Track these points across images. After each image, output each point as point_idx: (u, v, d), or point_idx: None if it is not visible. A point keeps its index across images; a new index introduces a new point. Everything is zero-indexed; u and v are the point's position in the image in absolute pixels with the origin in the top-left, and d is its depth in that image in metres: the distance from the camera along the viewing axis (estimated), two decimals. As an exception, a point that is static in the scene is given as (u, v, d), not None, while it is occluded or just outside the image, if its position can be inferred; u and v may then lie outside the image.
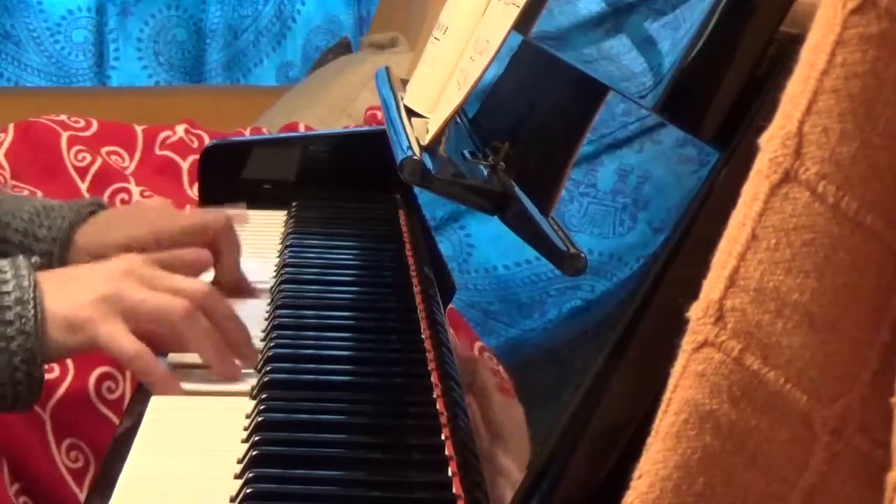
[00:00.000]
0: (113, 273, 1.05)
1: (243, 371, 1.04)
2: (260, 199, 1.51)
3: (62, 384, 1.43)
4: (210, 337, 1.03)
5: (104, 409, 1.44)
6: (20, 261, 1.04)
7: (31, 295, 1.01)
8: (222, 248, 1.24)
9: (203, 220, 1.26)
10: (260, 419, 0.94)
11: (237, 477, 0.87)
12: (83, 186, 1.69)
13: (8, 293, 1.00)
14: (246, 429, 0.94)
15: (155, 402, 1.00)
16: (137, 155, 1.79)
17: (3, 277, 1.01)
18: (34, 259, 1.07)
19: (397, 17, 2.91)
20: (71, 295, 1.03)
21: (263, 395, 0.98)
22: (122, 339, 1.01)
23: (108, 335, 1.01)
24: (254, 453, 0.88)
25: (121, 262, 1.08)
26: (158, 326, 1.05)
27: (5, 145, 1.71)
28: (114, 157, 1.77)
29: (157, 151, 1.81)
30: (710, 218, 0.68)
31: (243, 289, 1.24)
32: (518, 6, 0.99)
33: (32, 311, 1.00)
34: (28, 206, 1.26)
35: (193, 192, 1.72)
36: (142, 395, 1.02)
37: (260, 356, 1.06)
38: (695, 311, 0.53)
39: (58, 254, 1.23)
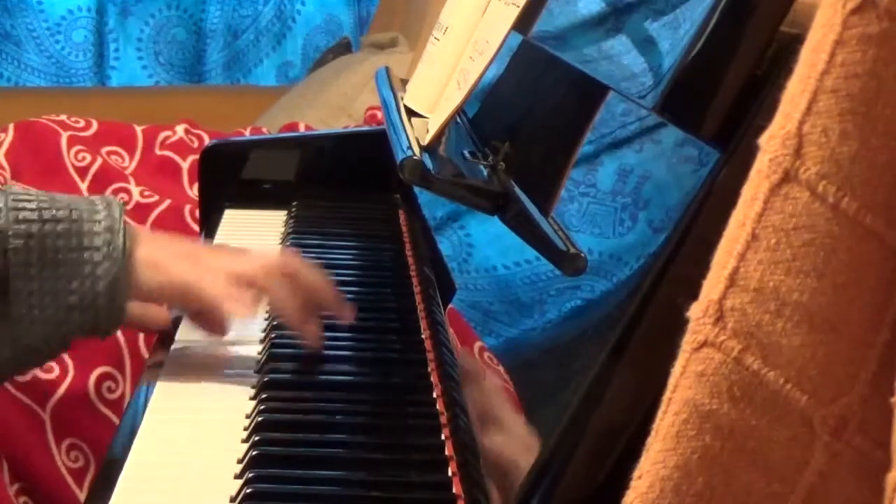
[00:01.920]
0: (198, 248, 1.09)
1: (242, 370, 1.04)
2: (260, 199, 1.51)
3: (62, 384, 1.43)
4: (294, 297, 1.06)
5: (104, 409, 1.44)
6: (111, 198, 1.05)
7: (121, 227, 1.02)
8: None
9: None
10: (260, 419, 0.94)
11: (237, 477, 0.87)
12: (83, 186, 1.69)
13: (99, 221, 1.01)
14: (246, 429, 0.94)
15: (155, 402, 1.00)
16: (137, 155, 1.79)
17: (95, 207, 1.02)
18: (119, 199, 1.08)
19: (397, 17, 2.91)
20: (158, 246, 1.05)
21: (263, 395, 0.98)
22: (192, 276, 1.04)
23: (195, 279, 1.04)
24: (254, 453, 0.88)
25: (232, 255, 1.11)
26: (245, 286, 1.06)
27: (5, 145, 1.71)
28: (114, 157, 1.77)
29: (157, 151, 1.81)
30: (710, 218, 0.68)
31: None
32: (518, 6, 0.99)
33: (122, 241, 1.01)
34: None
35: (193, 192, 1.72)
36: (142, 394, 1.02)
37: (260, 356, 1.06)
38: (695, 311, 0.53)
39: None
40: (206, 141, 1.80)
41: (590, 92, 0.92)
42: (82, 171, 1.70)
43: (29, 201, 1.01)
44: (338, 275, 1.26)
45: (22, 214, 1.00)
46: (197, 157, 1.63)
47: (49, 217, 1.00)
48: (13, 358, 1.00)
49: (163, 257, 1.04)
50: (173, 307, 1.13)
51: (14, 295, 0.98)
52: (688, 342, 0.53)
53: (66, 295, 0.99)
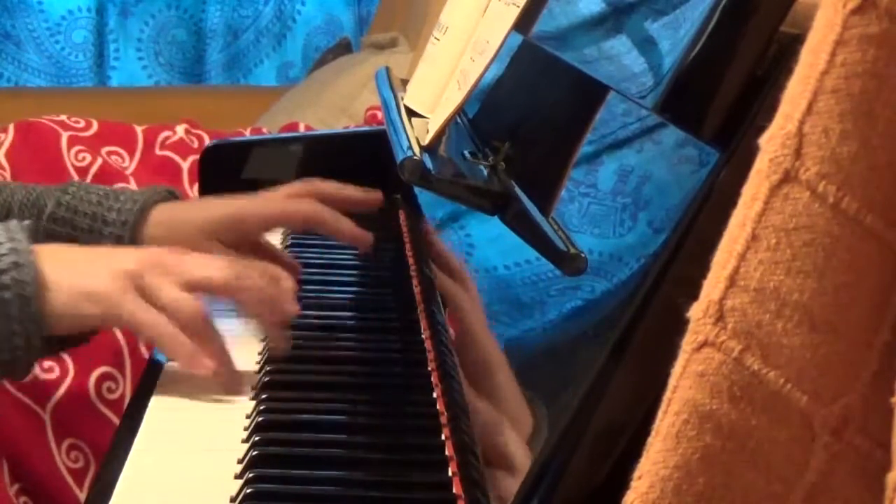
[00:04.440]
0: (130, 256, 1.03)
1: (242, 371, 1.04)
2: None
3: (62, 384, 1.43)
4: (258, 290, 1.02)
5: (104, 409, 1.44)
6: (13, 225, 1.00)
7: (30, 259, 0.97)
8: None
9: (286, 211, 1.22)
10: (260, 419, 0.94)
11: (237, 477, 0.87)
12: (83, 186, 1.69)
13: (3, 255, 0.97)
14: (246, 429, 0.94)
15: (155, 402, 1.00)
16: (137, 155, 1.79)
17: None
18: (26, 223, 1.02)
19: (397, 17, 2.91)
20: (84, 267, 1.00)
21: (263, 395, 0.98)
22: (143, 314, 0.98)
23: (129, 311, 0.98)
24: (254, 453, 0.88)
25: (140, 250, 1.05)
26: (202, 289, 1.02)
27: (5, 145, 1.71)
28: (114, 157, 1.77)
29: (158, 151, 1.81)
30: (710, 218, 0.68)
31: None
32: (518, 6, 0.99)
33: (31, 275, 0.96)
34: (96, 191, 1.22)
35: (194, 192, 1.72)
36: (142, 395, 1.02)
37: (259, 357, 1.06)
38: (695, 311, 0.53)
39: (128, 238, 1.19)
40: (207, 141, 1.80)
41: (590, 92, 0.92)
42: (82, 172, 1.70)
43: None
44: (338, 275, 1.26)
45: None
46: (197, 157, 1.63)
47: None
48: None
49: (98, 285, 0.98)
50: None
51: None
52: (688, 342, 0.53)
53: None
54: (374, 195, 1.27)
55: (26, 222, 1.02)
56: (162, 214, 1.20)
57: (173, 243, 1.12)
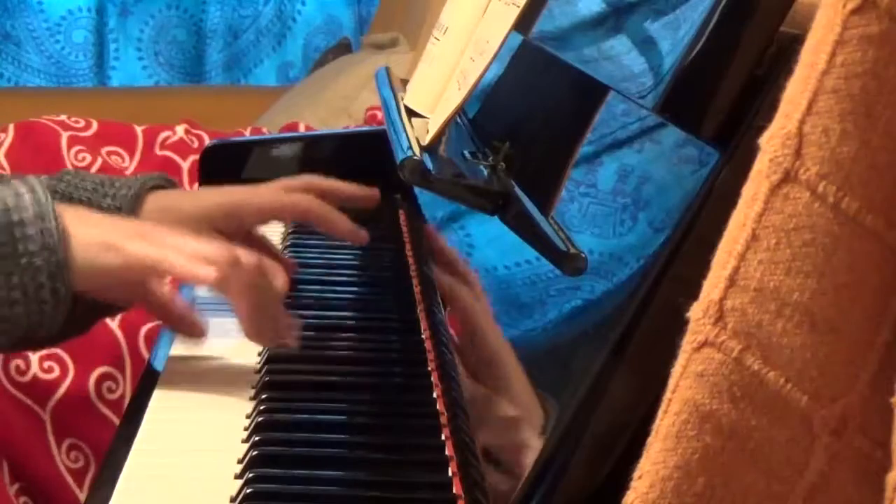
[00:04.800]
0: (145, 225, 1.03)
1: (242, 370, 1.04)
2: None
3: (62, 384, 1.43)
4: (252, 290, 0.99)
5: (104, 409, 1.44)
6: (33, 180, 0.99)
7: (51, 210, 0.96)
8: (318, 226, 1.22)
9: (282, 203, 1.22)
10: (260, 419, 0.94)
11: (237, 477, 0.87)
12: (83, 186, 1.69)
13: (26, 207, 0.96)
14: (246, 429, 0.94)
15: (155, 402, 1.00)
16: (137, 155, 1.79)
17: (19, 192, 0.97)
18: (43, 177, 1.01)
19: (397, 17, 2.91)
20: (97, 225, 1.00)
21: (263, 395, 0.98)
22: (154, 252, 0.97)
23: (148, 250, 0.97)
24: (254, 453, 0.88)
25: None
26: (199, 267, 0.99)
27: (5, 145, 1.71)
28: (114, 158, 1.77)
29: (157, 151, 1.81)
30: (710, 218, 0.68)
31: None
32: (518, 6, 0.99)
33: (54, 224, 0.95)
34: (91, 179, 1.21)
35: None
36: (142, 395, 1.02)
37: (259, 357, 1.06)
38: (695, 311, 0.53)
39: None
40: (207, 141, 1.80)
41: (590, 92, 0.92)
42: (82, 172, 1.70)
43: None
44: (338, 275, 1.26)
45: None
46: (197, 157, 1.63)
47: None
48: None
49: (114, 237, 0.98)
50: (133, 295, 1.06)
51: None
52: (688, 342, 0.53)
53: (8, 290, 0.94)
54: (371, 192, 1.28)
55: (43, 177, 1.01)
56: (157, 202, 1.19)
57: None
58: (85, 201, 1.18)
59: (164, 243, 0.99)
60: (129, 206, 1.17)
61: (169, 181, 1.23)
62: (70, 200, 1.17)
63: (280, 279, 1.06)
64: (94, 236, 0.98)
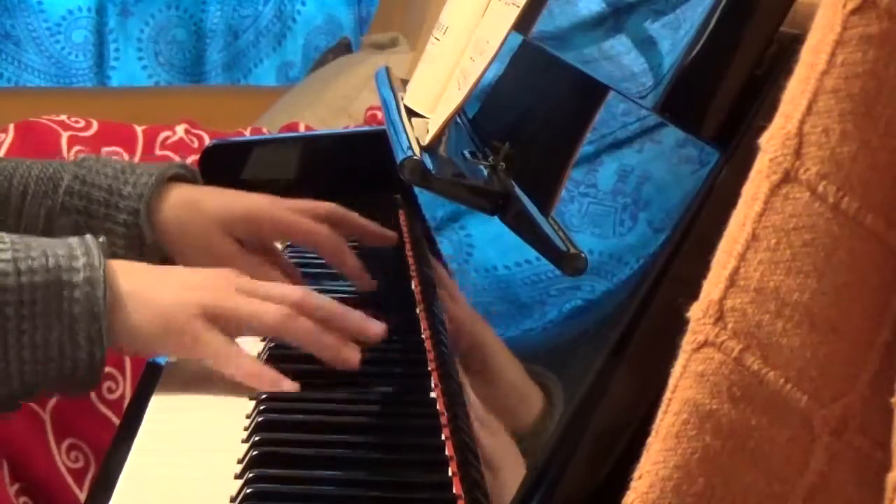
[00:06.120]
0: (206, 277, 1.03)
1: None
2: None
3: (62, 384, 1.43)
4: (313, 334, 1.02)
5: (104, 409, 1.44)
6: (90, 240, 0.99)
7: (102, 275, 0.96)
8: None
9: (300, 227, 1.22)
10: (260, 419, 0.94)
11: (237, 477, 0.87)
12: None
13: (77, 270, 0.96)
14: (246, 429, 0.94)
15: (155, 402, 1.00)
16: (137, 155, 1.79)
17: (73, 253, 0.97)
18: (101, 239, 1.02)
19: (397, 17, 2.91)
20: (158, 291, 1.00)
21: (263, 395, 0.98)
22: (222, 348, 1.00)
23: (209, 349, 0.99)
24: (254, 453, 0.88)
25: (212, 271, 1.06)
26: (255, 333, 1.04)
27: (5, 145, 1.71)
28: (114, 158, 1.77)
29: (158, 151, 1.81)
30: (710, 218, 0.68)
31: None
32: (518, 6, 0.99)
33: (102, 292, 0.96)
34: (112, 164, 1.23)
35: (193, 192, 1.71)
36: (142, 395, 1.02)
37: (260, 357, 1.06)
38: (695, 311, 0.53)
39: (144, 212, 1.19)
40: (207, 141, 1.80)
41: (590, 92, 0.92)
42: (82, 172, 1.70)
43: (3, 251, 0.95)
44: (338, 275, 1.26)
45: None
46: (197, 157, 1.63)
47: (25, 268, 0.95)
48: None
49: (163, 304, 0.99)
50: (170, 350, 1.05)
51: None
52: (688, 342, 0.53)
53: (45, 348, 0.95)
54: (390, 234, 1.29)
55: (101, 238, 1.02)
56: (179, 195, 1.21)
57: (189, 229, 1.16)
58: (105, 187, 1.19)
59: (238, 314, 1.01)
60: (150, 193, 1.19)
61: (189, 170, 1.24)
62: (92, 186, 1.19)
63: (373, 330, 1.06)
64: (148, 303, 0.98)
